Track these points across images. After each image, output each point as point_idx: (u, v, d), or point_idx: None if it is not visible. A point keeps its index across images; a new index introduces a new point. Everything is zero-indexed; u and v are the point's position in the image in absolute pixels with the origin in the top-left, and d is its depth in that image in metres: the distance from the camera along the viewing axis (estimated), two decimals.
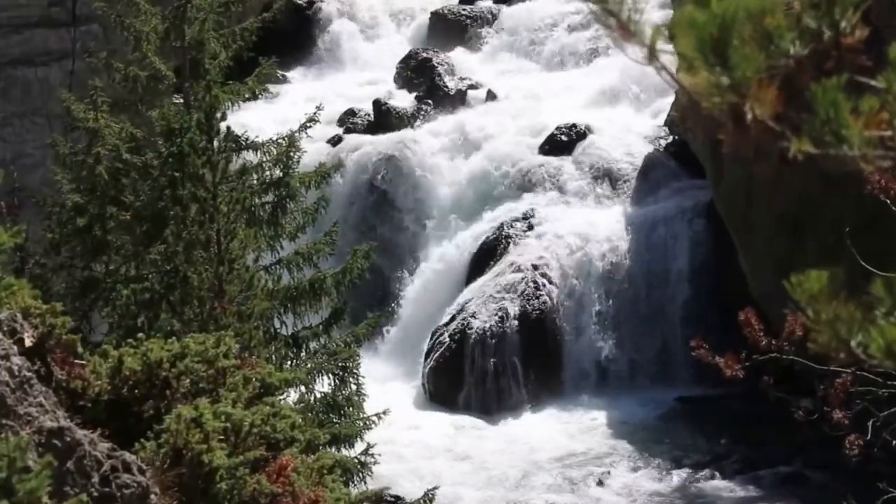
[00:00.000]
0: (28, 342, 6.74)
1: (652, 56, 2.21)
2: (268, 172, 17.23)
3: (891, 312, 2.22)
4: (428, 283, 27.27)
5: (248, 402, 7.99)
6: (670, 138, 28.21)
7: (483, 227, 27.36)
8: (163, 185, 15.33)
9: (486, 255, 26.55)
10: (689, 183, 27.05)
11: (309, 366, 16.51)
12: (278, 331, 16.78)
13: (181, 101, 17.67)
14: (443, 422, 24.09)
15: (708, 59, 2.15)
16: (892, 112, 2.18)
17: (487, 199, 28.16)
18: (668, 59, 2.25)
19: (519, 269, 25.66)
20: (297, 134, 17.80)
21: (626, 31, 2.22)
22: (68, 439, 5.73)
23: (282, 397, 10.84)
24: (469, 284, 26.22)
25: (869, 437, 10.05)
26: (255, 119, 26.97)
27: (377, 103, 31.33)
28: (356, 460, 15.96)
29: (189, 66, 17.65)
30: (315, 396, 16.40)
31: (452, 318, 25.31)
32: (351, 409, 16.52)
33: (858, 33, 2.20)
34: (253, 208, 16.59)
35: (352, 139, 30.11)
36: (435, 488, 16.39)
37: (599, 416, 24.13)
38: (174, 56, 18.64)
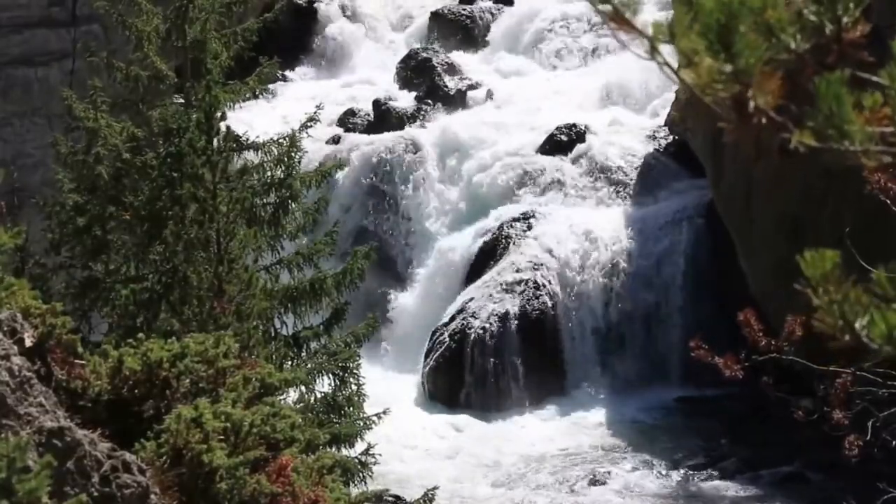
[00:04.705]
0: (28, 342, 6.73)
1: (653, 50, 2.21)
2: (269, 173, 17.23)
3: (889, 306, 2.23)
4: (428, 282, 27.27)
5: (247, 402, 7.99)
6: (670, 138, 28.20)
7: (483, 227, 27.35)
8: (161, 185, 15.32)
9: (486, 255, 26.54)
10: (689, 183, 27.05)
11: (309, 366, 16.50)
12: (279, 331, 16.77)
13: (182, 100, 17.66)
14: (443, 421, 24.10)
15: (713, 45, 2.15)
16: (894, 108, 2.18)
17: (487, 199, 28.16)
18: (669, 53, 2.25)
19: (519, 269, 25.66)
20: (297, 134, 17.79)
21: (622, 21, 2.22)
22: (68, 439, 5.72)
23: (282, 397, 10.84)
24: (469, 284, 26.21)
25: (869, 437, 10.05)
26: (256, 118, 26.97)
27: (377, 103, 31.32)
28: (356, 460, 15.96)
29: (190, 66, 17.64)
30: (315, 396, 16.39)
31: (452, 318, 25.31)
32: (351, 409, 16.51)
33: (860, 28, 2.19)
34: (254, 209, 16.59)
35: (352, 139, 30.10)
36: (435, 488, 16.38)
37: (599, 416, 24.13)
38: (175, 56, 18.63)
